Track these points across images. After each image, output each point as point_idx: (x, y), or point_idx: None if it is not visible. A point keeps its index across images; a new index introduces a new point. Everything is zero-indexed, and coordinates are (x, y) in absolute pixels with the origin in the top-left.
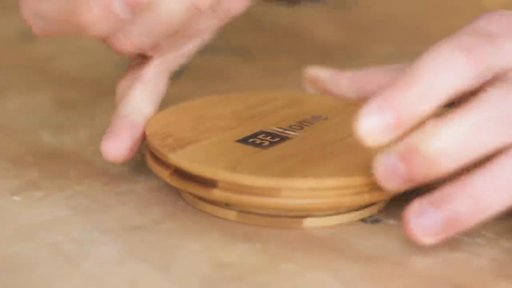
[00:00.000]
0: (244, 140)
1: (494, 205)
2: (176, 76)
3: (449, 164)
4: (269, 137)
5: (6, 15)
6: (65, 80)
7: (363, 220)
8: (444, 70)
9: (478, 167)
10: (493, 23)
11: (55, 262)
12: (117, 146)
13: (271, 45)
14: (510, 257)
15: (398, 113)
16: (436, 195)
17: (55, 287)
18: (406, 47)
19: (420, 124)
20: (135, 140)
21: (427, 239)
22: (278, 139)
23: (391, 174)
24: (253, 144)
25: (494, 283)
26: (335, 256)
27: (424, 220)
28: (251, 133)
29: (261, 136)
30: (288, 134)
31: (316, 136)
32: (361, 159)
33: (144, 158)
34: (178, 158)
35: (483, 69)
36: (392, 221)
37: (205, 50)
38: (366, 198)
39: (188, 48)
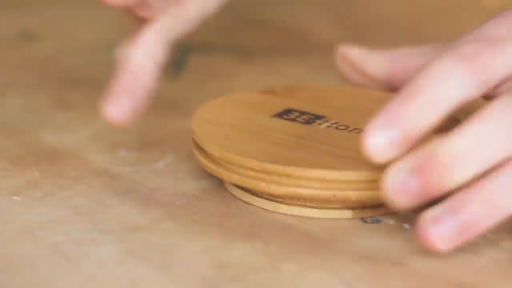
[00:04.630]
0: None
1: (507, 207)
2: (176, 74)
3: (462, 173)
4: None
5: (6, 15)
6: (65, 80)
7: (363, 220)
8: (445, 81)
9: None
10: (500, 27)
11: (55, 262)
12: (118, 109)
13: (271, 45)
14: (510, 257)
15: (403, 128)
16: (451, 201)
17: (55, 287)
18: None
19: (423, 139)
20: (136, 102)
21: (443, 246)
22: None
23: (402, 192)
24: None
25: (494, 283)
26: (336, 256)
27: (440, 227)
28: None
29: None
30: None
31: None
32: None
33: (144, 158)
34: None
35: (485, 78)
36: (392, 221)
37: (205, 50)
38: (374, 194)
39: (189, 13)
